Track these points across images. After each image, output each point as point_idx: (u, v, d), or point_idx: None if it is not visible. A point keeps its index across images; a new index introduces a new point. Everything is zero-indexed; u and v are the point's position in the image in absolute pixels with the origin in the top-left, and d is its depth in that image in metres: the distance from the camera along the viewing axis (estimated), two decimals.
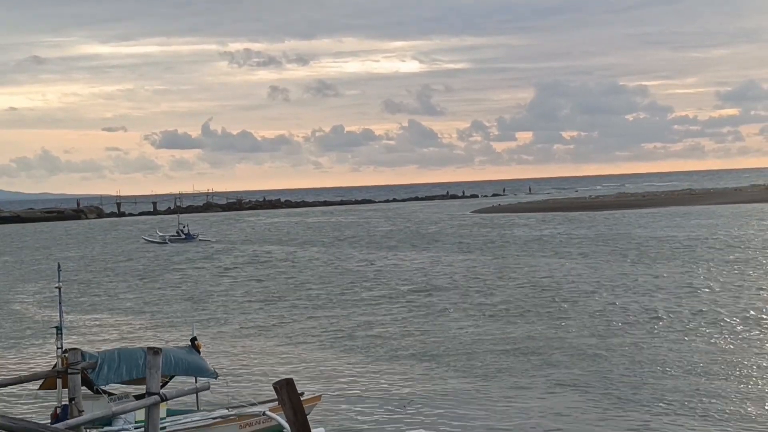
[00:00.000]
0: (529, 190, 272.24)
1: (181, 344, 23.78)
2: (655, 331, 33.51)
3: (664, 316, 36.47)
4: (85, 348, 22.75)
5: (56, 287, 22.21)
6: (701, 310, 37.45)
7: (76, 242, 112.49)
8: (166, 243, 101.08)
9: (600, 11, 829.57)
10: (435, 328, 36.86)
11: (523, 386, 26.28)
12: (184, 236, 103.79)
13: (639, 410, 23.05)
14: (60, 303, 22.06)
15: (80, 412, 17.03)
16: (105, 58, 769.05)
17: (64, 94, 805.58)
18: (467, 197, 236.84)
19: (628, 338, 32.46)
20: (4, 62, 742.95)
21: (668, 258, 58.63)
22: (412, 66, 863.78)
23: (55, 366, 19.57)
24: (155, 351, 13.32)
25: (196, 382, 20.74)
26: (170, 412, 20.70)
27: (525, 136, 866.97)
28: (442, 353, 31.56)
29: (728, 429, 21.26)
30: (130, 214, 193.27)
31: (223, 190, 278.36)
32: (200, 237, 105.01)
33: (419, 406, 24.51)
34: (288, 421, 12.09)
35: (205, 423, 20.60)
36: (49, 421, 18.92)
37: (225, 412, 21.37)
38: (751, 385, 25.12)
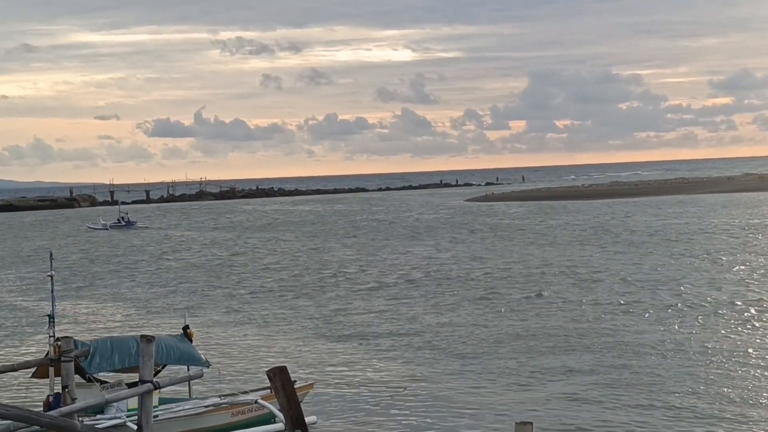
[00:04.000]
0: (522, 179, 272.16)
1: (173, 333, 23.76)
2: (650, 320, 33.61)
3: (656, 305, 36.54)
4: (77, 336, 22.75)
5: (48, 275, 22.22)
6: (690, 299, 37.53)
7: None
8: (108, 229, 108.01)
9: (591, 0, 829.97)
10: (425, 317, 36.90)
11: (514, 374, 26.33)
12: (124, 223, 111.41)
13: (638, 398, 23.15)
14: (52, 291, 22.07)
15: (73, 399, 17.02)
16: (96, 47, 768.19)
17: (55, 83, 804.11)
18: (460, 186, 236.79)
19: (623, 326, 32.53)
20: None
21: (660, 246, 58.70)
22: (404, 55, 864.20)
23: (47, 354, 19.56)
24: (148, 339, 13.33)
25: (188, 370, 20.75)
26: (162, 401, 20.72)
27: (518, 125, 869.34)
28: (433, 341, 31.61)
29: (721, 418, 21.38)
30: (123, 203, 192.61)
31: (216, 178, 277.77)
32: (138, 224, 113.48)
33: (410, 393, 24.56)
34: (282, 409, 12.08)
35: (198, 411, 20.61)
36: (42, 409, 18.91)
37: (217, 400, 21.39)
38: (741, 374, 25.23)
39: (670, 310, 35.26)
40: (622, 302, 37.64)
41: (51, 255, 23.36)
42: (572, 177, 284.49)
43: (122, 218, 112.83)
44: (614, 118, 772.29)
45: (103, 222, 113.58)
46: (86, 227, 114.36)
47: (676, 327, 32.03)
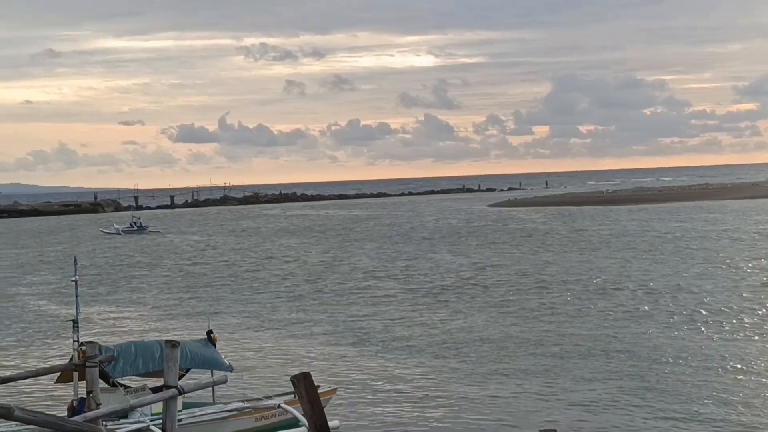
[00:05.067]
0: (546, 184, 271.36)
1: (197, 337, 23.79)
2: (674, 328, 33.40)
3: (680, 313, 36.32)
4: (100, 341, 22.80)
5: (72, 280, 22.27)
6: (716, 307, 37.27)
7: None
8: (120, 234, 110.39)
9: (613, 5, 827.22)
10: (447, 323, 36.81)
11: (537, 381, 26.22)
12: (136, 228, 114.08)
13: (662, 407, 23.00)
14: (77, 296, 22.13)
15: (97, 405, 17.06)
16: (119, 52, 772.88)
17: (80, 88, 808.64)
18: (483, 191, 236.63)
19: (647, 334, 32.35)
20: (19, 56, 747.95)
21: (684, 253, 58.34)
22: (426, 60, 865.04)
23: (71, 359, 19.60)
24: (173, 344, 13.35)
25: (212, 375, 20.76)
26: (186, 405, 20.73)
27: (541, 130, 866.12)
28: (454, 348, 31.52)
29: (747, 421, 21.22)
30: (147, 208, 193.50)
31: (240, 183, 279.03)
32: (150, 228, 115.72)
33: (432, 399, 24.51)
34: (305, 415, 12.09)
35: (221, 416, 20.63)
36: (66, 414, 18.96)
37: (240, 405, 21.39)
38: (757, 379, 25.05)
39: (694, 318, 35.01)
40: (646, 309, 37.44)
41: (75, 260, 23.40)
42: (596, 182, 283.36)
43: (134, 223, 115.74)
44: (638, 123, 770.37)
45: (116, 226, 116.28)
46: (99, 231, 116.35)
47: (701, 335, 31.80)
